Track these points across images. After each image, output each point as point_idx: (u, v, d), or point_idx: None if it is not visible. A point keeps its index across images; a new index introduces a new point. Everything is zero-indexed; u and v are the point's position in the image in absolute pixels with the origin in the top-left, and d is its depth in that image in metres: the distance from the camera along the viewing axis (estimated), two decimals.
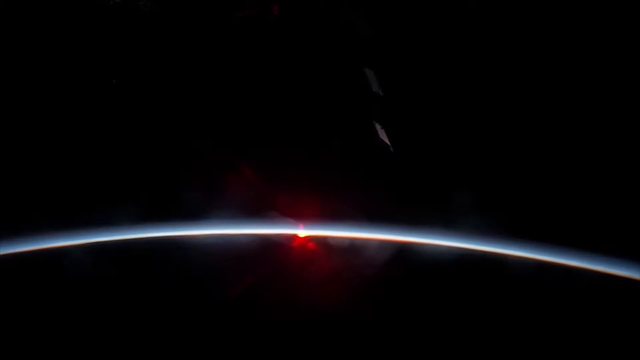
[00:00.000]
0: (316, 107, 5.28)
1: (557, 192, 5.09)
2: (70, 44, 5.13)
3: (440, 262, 5.13)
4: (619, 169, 4.99)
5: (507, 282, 5.04)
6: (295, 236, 5.48)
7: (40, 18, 4.93)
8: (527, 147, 5.11)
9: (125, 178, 5.54)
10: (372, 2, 4.90)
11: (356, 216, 5.32)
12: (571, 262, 5.04)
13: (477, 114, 5.13)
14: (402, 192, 5.28)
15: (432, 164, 5.16)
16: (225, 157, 5.55)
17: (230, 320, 5.20)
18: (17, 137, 5.40)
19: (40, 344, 4.97)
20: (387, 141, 4.92)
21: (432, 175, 5.19)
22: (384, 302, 5.14)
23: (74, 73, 5.37)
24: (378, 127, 4.92)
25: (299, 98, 5.27)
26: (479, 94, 5.09)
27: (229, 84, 5.40)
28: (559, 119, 5.07)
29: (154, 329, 5.15)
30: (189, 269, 5.45)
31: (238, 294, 5.23)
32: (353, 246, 5.34)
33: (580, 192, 5.04)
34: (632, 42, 4.85)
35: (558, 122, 5.08)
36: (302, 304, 5.26)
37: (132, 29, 4.90)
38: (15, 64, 5.19)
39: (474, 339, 4.90)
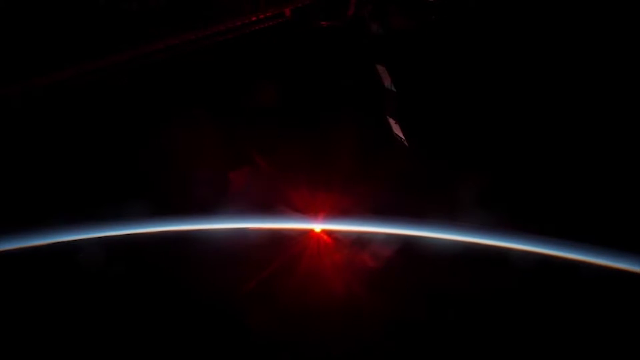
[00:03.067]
0: (328, 103, 5.37)
1: (560, 187, 5.13)
2: (80, 44, 5.22)
3: (446, 255, 5.18)
4: (620, 163, 5.04)
5: (511, 275, 5.07)
6: (304, 230, 5.51)
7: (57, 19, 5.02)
8: (531, 143, 5.17)
9: (137, 173, 5.59)
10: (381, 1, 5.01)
11: (364, 211, 5.37)
12: (573, 256, 5.07)
13: (483, 109, 5.21)
14: (409, 186, 5.34)
15: (438, 158, 5.23)
16: (237, 152, 5.62)
17: (242, 314, 5.23)
18: (28, 133, 5.49)
19: (51, 336, 5.02)
20: (401, 135, 5.02)
21: (439, 170, 5.26)
22: (391, 295, 5.18)
23: (88, 72, 5.45)
24: (392, 122, 5.02)
25: (312, 94, 5.36)
26: (485, 91, 5.18)
27: (241, 80, 5.49)
28: (561, 114, 5.14)
29: (165, 323, 5.19)
30: (200, 263, 5.48)
31: (250, 288, 5.26)
32: (361, 240, 5.39)
33: (583, 186, 5.09)
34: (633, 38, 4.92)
35: (561, 117, 5.15)
36: (312, 297, 5.30)
37: (145, 27, 4.99)
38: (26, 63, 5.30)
39: (479, 330, 4.95)
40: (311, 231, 5.56)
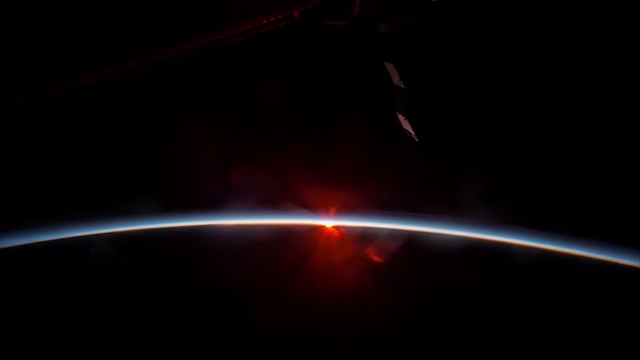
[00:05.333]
0: (337, 100, 5.45)
1: (563, 183, 5.21)
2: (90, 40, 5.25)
3: (450, 250, 5.23)
4: (621, 160, 5.12)
5: (514, 270, 5.12)
6: (312, 226, 5.53)
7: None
8: (534, 140, 5.25)
9: (146, 169, 5.61)
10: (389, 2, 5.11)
11: (373, 206, 5.42)
12: (576, 251, 5.12)
13: (488, 107, 5.29)
14: (417, 182, 5.40)
15: (445, 154, 5.30)
16: (246, 149, 5.67)
17: (252, 310, 5.24)
18: (40, 131, 5.55)
19: (61, 330, 5.01)
20: (410, 131, 5.12)
21: (445, 166, 5.32)
22: (397, 290, 5.22)
23: (104, 69, 5.48)
24: (402, 118, 5.12)
25: (321, 93, 5.44)
26: (489, 89, 5.27)
27: (252, 79, 5.56)
28: (563, 112, 5.24)
29: (175, 318, 5.19)
30: (210, 259, 5.48)
31: (259, 283, 5.28)
32: (368, 236, 5.43)
33: (585, 182, 5.16)
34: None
35: (562, 115, 5.24)
36: (321, 292, 5.32)
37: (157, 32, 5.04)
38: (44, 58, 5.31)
39: (482, 324, 5.00)
40: (319, 227, 5.59)
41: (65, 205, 5.49)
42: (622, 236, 5.01)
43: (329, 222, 5.56)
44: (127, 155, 5.68)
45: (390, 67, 5.09)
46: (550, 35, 5.07)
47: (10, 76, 4.89)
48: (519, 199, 5.31)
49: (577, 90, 5.17)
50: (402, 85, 5.08)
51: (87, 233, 5.64)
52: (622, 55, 5.07)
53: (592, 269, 5.12)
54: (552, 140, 5.27)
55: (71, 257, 5.48)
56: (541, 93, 5.24)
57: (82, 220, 5.62)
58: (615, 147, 5.17)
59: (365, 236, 5.49)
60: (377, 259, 5.34)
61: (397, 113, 5.21)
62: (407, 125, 5.14)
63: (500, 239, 5.33)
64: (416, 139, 5.14)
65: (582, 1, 5.05)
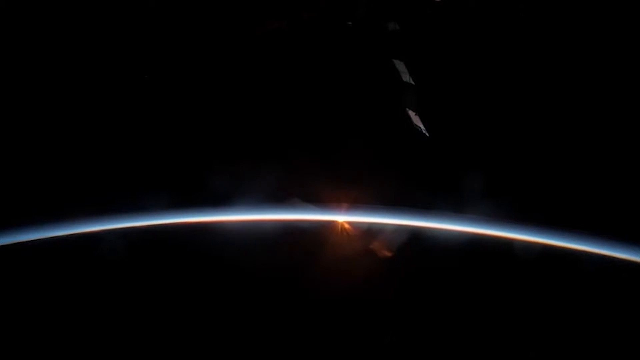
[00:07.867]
0: (346, 97, 5.51)
1: (565, 177, 5.17)
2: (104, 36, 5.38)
3: (453, 247, 5.16)
4: (625, 154, 5.09)
5: (517, 266, 5.04)
6: (320, 222, 5.49)
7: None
8: (537, 134, 5.25)
9: (155, 164, 5.66)
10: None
11: (379, 202, 5.38)
12: (579, 247, 5.03)
13: (491, 103, 5.32)
14: (416, 178, 5.38)
15: (445, 149, 5.30)
16: (252, 143, 5.71)
17: (260, 306, 5.17)
18: (51, 124, 5.64)
19: (71, 327, 4.96)
20: (420, 126, 5.14)
21: (445, 161, 5.31)
22: (400, 287, 5.14)
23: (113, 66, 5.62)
24: (411, 114, 5.15)
25: (329, 90, 5.51)
26: (497, 86, 5.31)
27: (259, 72, 5.65)
28: (566, 106, 5.24)
29: (184, 315, 5.12)
30: (217, 254, 5.44)
31: (267, 278, 5.23)
32: (369, 231, 5.38)
33: (587, 177, 5.11)
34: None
35: (565, 109, 5.24)
36: (328, 286, 5.24)
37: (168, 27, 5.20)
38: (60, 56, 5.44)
39: (482, 323, 4.88)
40: (327, 222, 5.54)
41: (73, 200, 5.53)
42: (624, 231, 4.92)
43: (337, 217, 5.51)
44: (135, 150, 5.75)
45: (399, 64, 5.16)
46: (557, 34, 5.11)
47: None
48: (524, 195, 5.27)
49: (578, 89, 5.19)
50: (412, 82, 5.14)
51: (96, 228, 5.64)
52: (625, 52, 5.09)
53: (594, 264, 5.01)
54: (557, 136, 5.26)
55: (79, 252, 5.48)
56: (545, 91, 5.27)
57: (90, 216, 5.64)
58: (618, 144, 5.14)
59: (374, 231, 5.43)
60: (385, 253, 5.26)
61: (406, 109, 5.24)
62: (417, 121, 5.16)
63: (505, 234, 5.24)
64: (426, 134, 5.15)
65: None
